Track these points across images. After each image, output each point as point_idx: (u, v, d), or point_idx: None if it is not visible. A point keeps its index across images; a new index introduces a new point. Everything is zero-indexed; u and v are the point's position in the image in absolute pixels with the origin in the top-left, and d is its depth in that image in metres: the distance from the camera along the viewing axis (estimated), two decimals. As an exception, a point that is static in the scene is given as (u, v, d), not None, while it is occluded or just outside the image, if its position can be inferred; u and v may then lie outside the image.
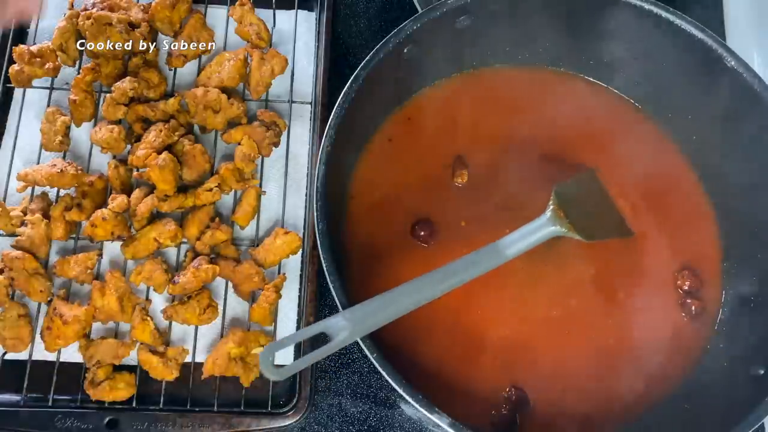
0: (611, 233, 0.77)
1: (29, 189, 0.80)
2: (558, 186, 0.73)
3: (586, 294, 0.78)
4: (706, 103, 0.80)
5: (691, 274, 0.79)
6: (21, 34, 0.88)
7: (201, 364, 0.75)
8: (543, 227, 0.70)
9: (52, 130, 0.81)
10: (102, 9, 0.83)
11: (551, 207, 0.71)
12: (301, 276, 0.81)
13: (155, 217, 0.80)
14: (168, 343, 0.77)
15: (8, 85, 0.84)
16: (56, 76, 0.84)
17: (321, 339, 0.60)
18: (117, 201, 0.77)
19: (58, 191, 0.81)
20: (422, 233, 0.78)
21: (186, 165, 0.80)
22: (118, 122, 0.81)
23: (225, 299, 0.79)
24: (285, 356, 0.77)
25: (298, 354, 0.77)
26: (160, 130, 0.79)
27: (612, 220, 0.77)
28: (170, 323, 0.77)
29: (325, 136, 0.71)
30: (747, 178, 0.79)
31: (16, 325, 0.74)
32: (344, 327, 0.60)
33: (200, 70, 0.86)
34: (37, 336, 0.75)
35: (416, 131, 0.84)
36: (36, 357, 0.75)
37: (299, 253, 0.80)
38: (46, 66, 0.82)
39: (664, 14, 0.77)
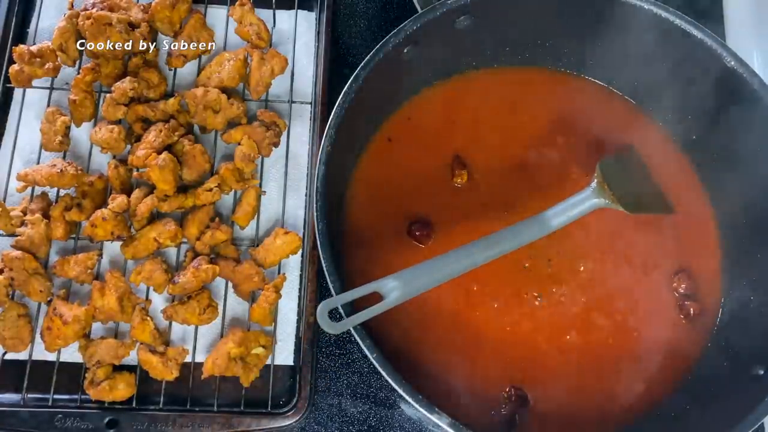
0: (653, 208, 0.78)
1: (29, 189, 0.80)
2: (602, 161, 0.74)
3: (586, 294, 0.78)
4: (705, 103, 0.80)
5: (687, 276, 0.79)
6: (21, 34, 0.88)
7: (201, 364, 0.75)
8: (587, 199, 0.71)
9: (52, 130, 0.81)
10: (102, 9, 0.82)
11: (596, 180, 0.72)
12: (301, 276, 0.81)
13: (155, 217, 0.80)
14: (168, 343, 0.77)
15: (8, 85, 0.84)
16: (56, 76, 0.84)
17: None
18: (117, 201, 0.77)
19: (58, 191, 0.81)
20: (418, 233, 0.78)
21: (186, 165, 0.80)
22: (118, 122, 0.81)
23: (225, 299, 0.79)
24: (285, 356, 0.78)
25: (298, 350, 0.78)
26: (160, 130, 0.79)
27: (653, 196, 0.79)
28: (170, 323, 0.77)
29: (325, 136, 0.71)
30: (747, 178, 0.79)
31: (16, 325, 0.74)
32: (396, 287, 0.63)
33: (200, 70, 0.86)
34: (37, 336, 0.75)
35: (416, 131, 0.84)
36: (36, 357, 0.75)
37: (299, 253, 0.80)
38: (46, 66, 0.82)
39: (663, 14, 0.77)
